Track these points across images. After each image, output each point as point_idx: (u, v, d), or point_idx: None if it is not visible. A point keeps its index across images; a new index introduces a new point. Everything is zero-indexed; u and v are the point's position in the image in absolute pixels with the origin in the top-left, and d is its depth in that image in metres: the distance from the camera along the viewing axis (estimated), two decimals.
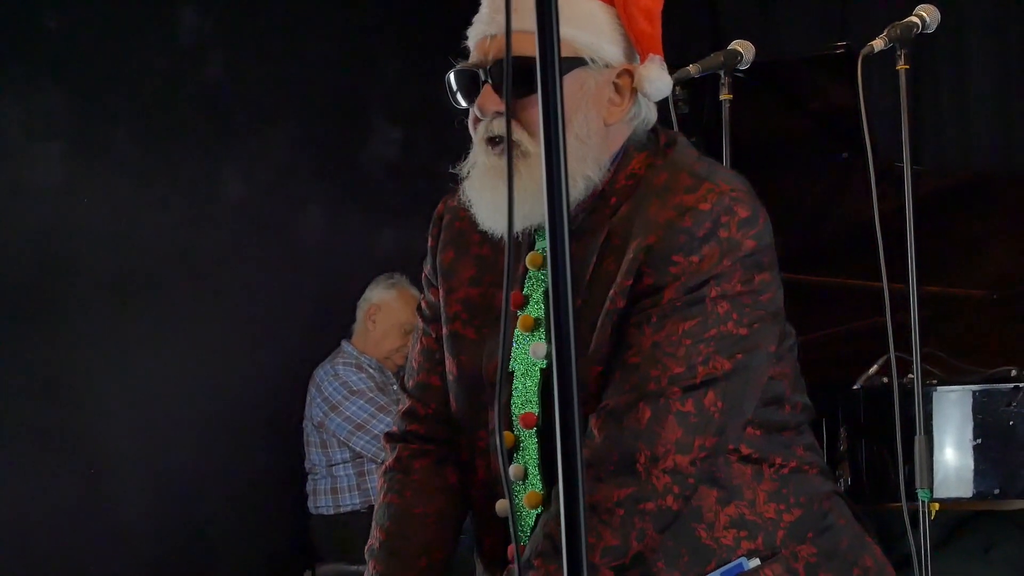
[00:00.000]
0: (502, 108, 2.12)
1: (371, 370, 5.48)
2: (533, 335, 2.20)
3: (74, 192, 5.21)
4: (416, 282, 5.59)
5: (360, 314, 5.62)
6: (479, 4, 2.28)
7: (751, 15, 6.11)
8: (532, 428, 2.18)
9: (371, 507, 5.20)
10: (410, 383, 2.41)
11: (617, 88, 2.17)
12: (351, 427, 5.32)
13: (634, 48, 2.17)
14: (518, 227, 2.17)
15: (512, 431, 2.20)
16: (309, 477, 5.50)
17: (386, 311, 5.58)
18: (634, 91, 2.17)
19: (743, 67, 3.70)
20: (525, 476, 2.19)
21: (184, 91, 5.56)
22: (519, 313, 2.22)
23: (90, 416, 5.21)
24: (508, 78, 1.60)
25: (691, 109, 3.99)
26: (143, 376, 5.33)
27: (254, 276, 5.69)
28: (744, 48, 3.69)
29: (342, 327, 5.64)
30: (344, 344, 5.58)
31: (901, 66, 3.46)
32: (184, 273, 5.50)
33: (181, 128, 5.53)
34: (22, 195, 5.08)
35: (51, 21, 5.18)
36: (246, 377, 5.62)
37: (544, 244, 2.18)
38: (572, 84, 2.11)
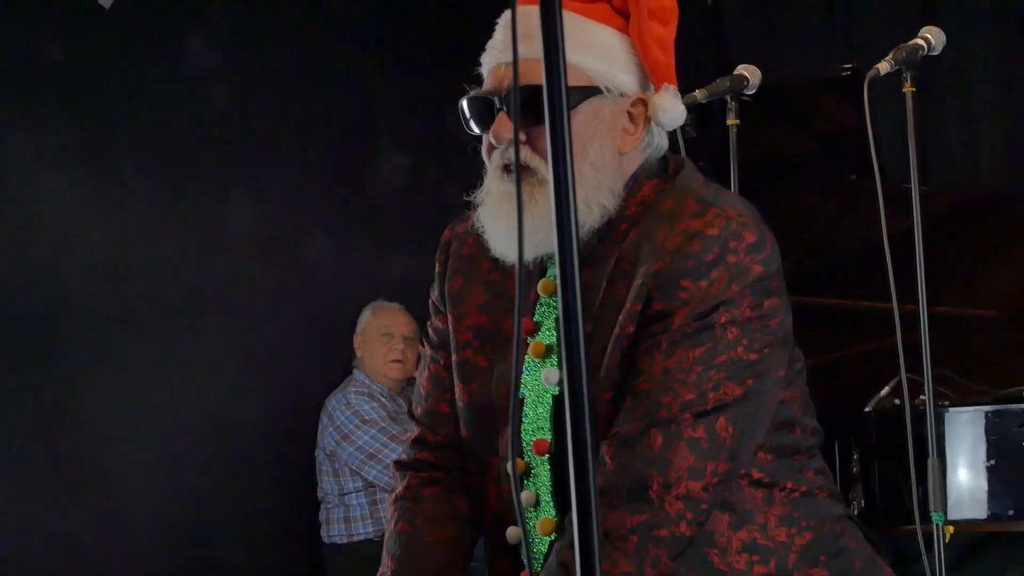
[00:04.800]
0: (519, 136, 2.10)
1: (383, 399, 5.47)
2: (545, 362, 2.19)
3: (83, 223, 5.22)
4: (422, 307, 5.59)
5: (354, 348, 5.65)
6: (488, 30, 2.27)
7: (756, 38, 6.11)
8: (544, 455, 2.17)
9: (384, 536, 5.21)
10: (418, 410, 2.40)
11: (631, 117, 2.16)
12: (363, 456, 5.31)
13: (648, 77, 2.17)
14: (531, 255, 2.16)
15: (523, 458, 2.19)
16: (322, 506, 5.49)
17: (364, 331, 5.62)
18: (648, 120, 2.17)
19: (749, 92, 3.70)
20: (537, 503, 2.19)
21: (191, 121, 5.57)
22: (530, 340, 2.21)
23: (102, 446, 5.21)
24: (516, 101, 1.59)
25: (698, 133, 4.00)
26: (153, 406, 5.33)
27: (263, 304, 5.69)
28: (750, 73, 3.69)
29: (351, 355, 5.65)
30: (356, 372, 5.58)
31: (907, 88, 3.46)
32: (193, 302, 5.50)
33: (189, 158, 5.54)
34: (31, 227, 5.09)
35: (58, 54, 5.20)
36: (257, 405, 5.62)
37: (556, 271, 2.18)
38: (587, 112, 2.11)
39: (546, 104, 1.52)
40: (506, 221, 2.14)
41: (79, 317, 5.19)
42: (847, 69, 4.45)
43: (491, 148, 2.18)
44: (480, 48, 2.27)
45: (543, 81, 1.51)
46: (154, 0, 5.46)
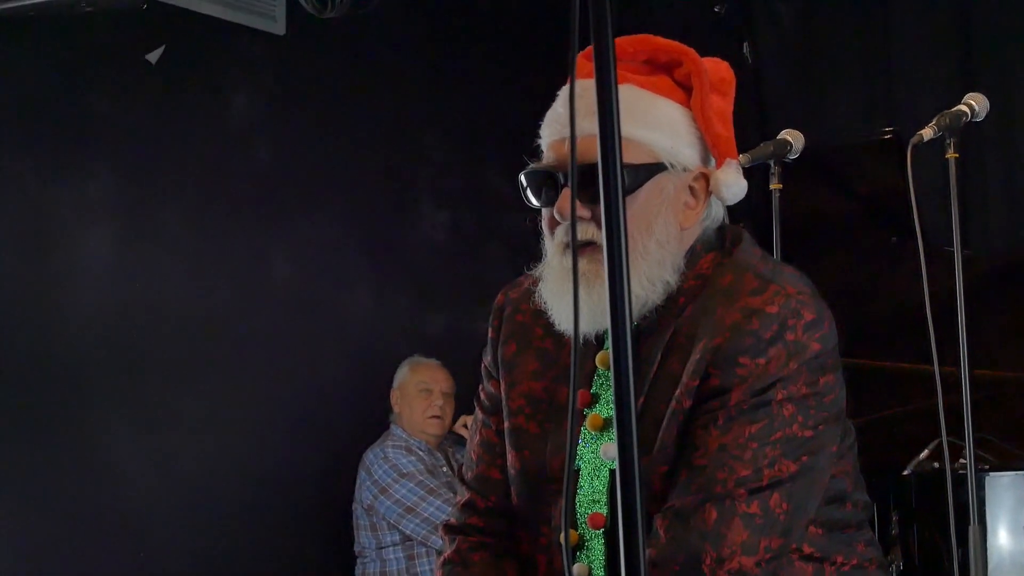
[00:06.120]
0: (583, 212, 2.11)
1: (421, 452, 5.48)
2: (603, 435, 2.18)
3: (125, 274, 5.26)
4: (461, 363, 5.63)
5: (391, 404, 5.67)
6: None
7: (797, 102, 6.13)
8: (600, 529, 2.16)
9: None
10: (469, 475, 2.39)
11: (692, 191, 2.17)
12: (401, 510, 5.32)
13: (709, 151, 2.17)
14: (593, 329, 2.16)
15: (577, 530, 2.18)
16: (358, 560, 5.49)
17: (402, 387, 5.65)
18: (708, 194, 2.17)
19: (792, 156, 3.71)
20: None
21: (234, 174, 5.61)
22: (587, 412, 2.20)
23: (136, 496, 5.21)
24: (573, 174, 1.61)
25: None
26: (191, 458, 5.34)
27: (301, 358, 5.71)
28: (794, 137, 3.70)
29: (389, 409, 5.67)
30: (393, 427, 5.60)
31: (951, 155, 3.45)
32: (232, 354, 5.53)
33: (231, 211, 5.58)
34: (74, 277, 5.12)
35: (103, 106, 5.25)
36: (294, 459, 5.63)
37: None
38: (653, 189, 2.11)
39: (601, 183, 1.54)
40: (570, 299, 2.09)
41: (119, 367, 5.21)
42: (888, 132, 4.47)
43: (553, 223, 2.17)
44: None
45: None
46: (199, 54, 5.52)
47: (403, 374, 5.67)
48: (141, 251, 5.32)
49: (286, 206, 5.76)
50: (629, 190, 2.06)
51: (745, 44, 6.11)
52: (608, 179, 1.54)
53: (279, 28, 5.74)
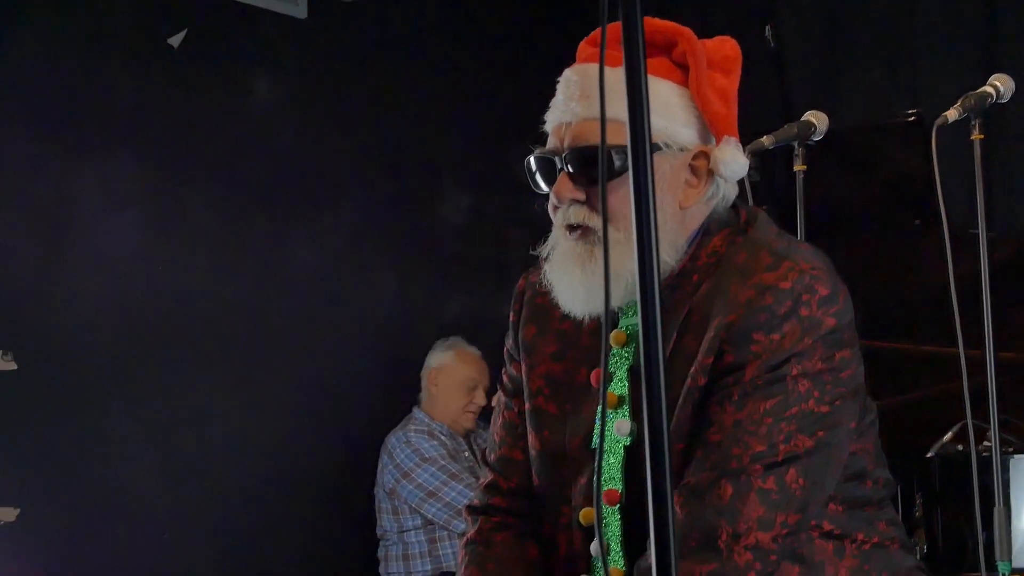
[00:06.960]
0: (578, 195, 2.15)
1: (443, 437, 5.49)
2: (617, 412, 2.20)
3: (149, 259, 5.27)
4: (483, 346, 5.64)
5: (424, 381, 5.67)
6: (551, 72, 2.28)
7: (821, 83, 6.10)
8: (615, 505, 2.18)
9: (442, 574, 5.24)
10: (492, 457, 2.42)
11: (694, 170, 2.18)
12: (423, 494, 5.33)
13: (708, 130, 2.18)
14: (591, 308, 2.18)
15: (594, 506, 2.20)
16: (380, 543, 5.51)
17: (446, 372, 5.63)
18: (711, 172, 2.18)
19: (816, 138, 3.70)
20: (607, 552, 2.19)
21: (256, 159, 5.62)
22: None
23: (162, 480, 5.24)
24: (603, 164, 1.60)
25: (762, 177, 4.00)
26: (214, 440, 5.36)
27: (325, 341, 5.72)
28: (818, 119, 3.69)
29: (412, 393, 5.67)
30: (415, 411, 5.60)
31: (976, 136, 3.42)
32: (256, 338, 5.54)
33: (254, 195, 5.59)
34: (99, 262, 5.13)
35: (126, 92, 5.26)
36: (317, 442, 5.64)
37: (627, 322, 2.20)
38: None
39: (630, 160, 1.53)
40: (569, 279, 2.17)
41: (143, 352, 5.23)
42: (912, 114, 4.45)
43: (555, 206, 2.21)
44: (544, 90, 2.29)
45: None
46: (221, 38, 5.52)
47: (447, 359, 5.66)
48: (163, 237, 5.33)
49: (308, 190, 5.76)
50: (620, 171, 2.07)
51: (768, 26, 6.08)
52: (637, 163, 1.53)
53: (301, 12, 5.75)
